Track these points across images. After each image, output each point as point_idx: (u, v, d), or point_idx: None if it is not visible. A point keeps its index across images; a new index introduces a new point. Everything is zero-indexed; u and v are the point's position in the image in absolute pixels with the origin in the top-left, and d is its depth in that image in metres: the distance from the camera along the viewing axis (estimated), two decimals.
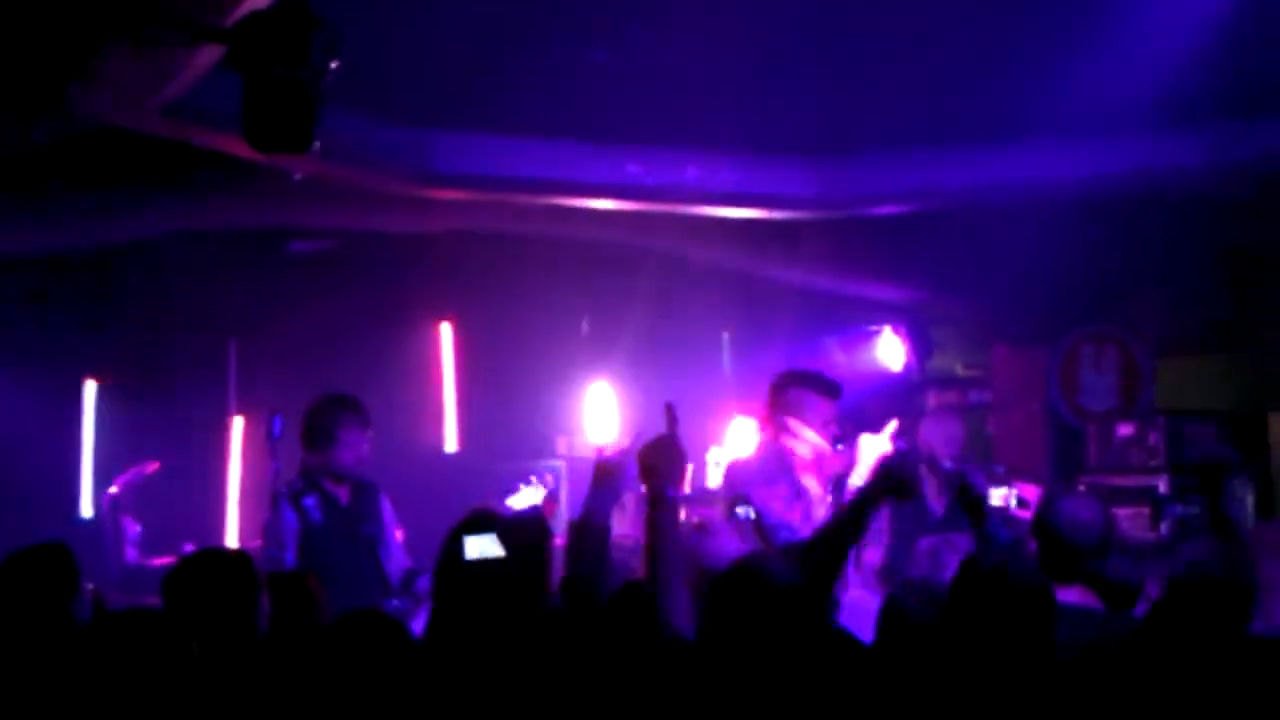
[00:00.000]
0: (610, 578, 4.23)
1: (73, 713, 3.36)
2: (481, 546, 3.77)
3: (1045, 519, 4.60)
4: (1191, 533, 7.22)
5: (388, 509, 6.61)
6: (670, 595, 4.02)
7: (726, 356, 10.80)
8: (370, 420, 6.51)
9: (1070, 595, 4.28)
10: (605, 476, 4.39)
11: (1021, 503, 5.58)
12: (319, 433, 6.40)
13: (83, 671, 3.37)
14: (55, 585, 4.48)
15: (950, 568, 4.92)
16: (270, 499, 6.40)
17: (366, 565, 6.35)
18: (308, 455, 6.44)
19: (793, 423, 5.90)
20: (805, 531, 5.12)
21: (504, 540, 3.77)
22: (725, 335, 11.12)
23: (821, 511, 5.74)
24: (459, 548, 3.76)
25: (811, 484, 5.77)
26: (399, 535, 6.74)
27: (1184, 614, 3.90)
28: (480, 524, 3.82)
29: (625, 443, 4.55)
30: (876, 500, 4.59)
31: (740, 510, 5.41)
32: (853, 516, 4.56)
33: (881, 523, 6.14)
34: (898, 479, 4.60)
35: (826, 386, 5.99)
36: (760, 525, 5.23)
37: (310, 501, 6.31)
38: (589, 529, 4.28)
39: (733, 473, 6.10)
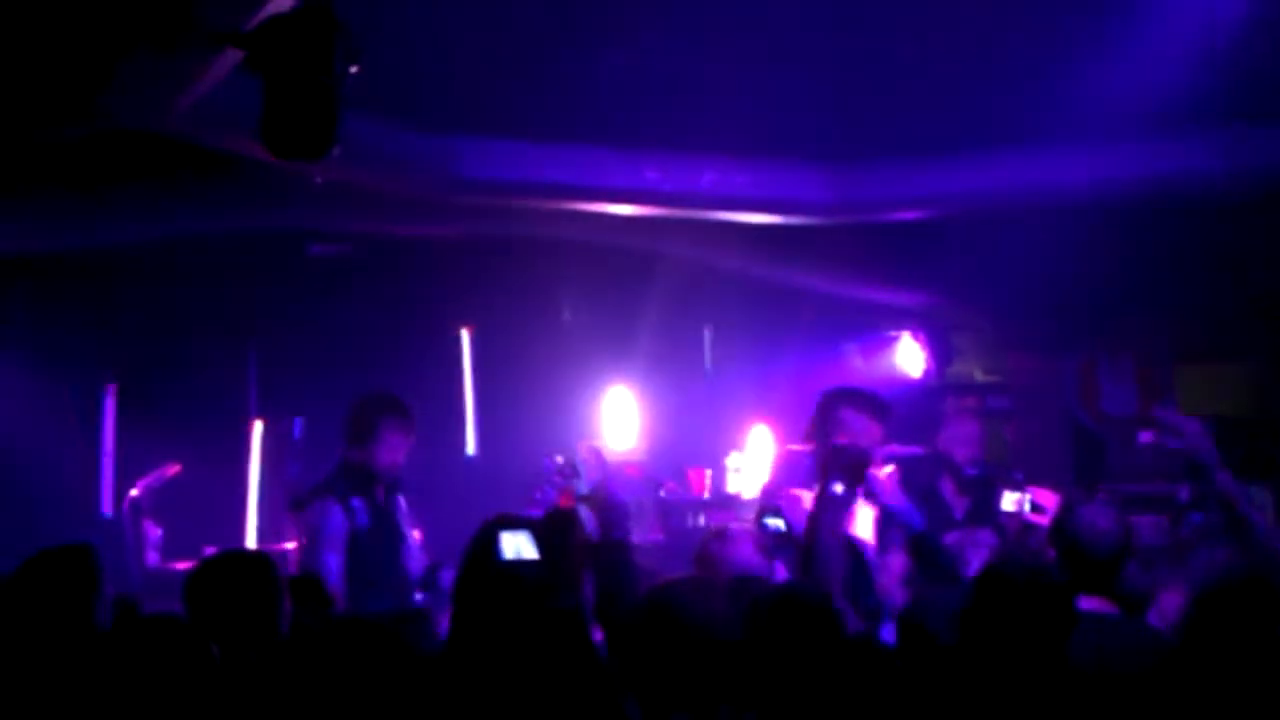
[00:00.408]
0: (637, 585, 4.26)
1: (93, 715, 3.37)
2: (517, 545, 3.78)
3: (1063, 527, 4.59)
4: (1208, 539, 7.18)
5: (405, 508, 6.62)
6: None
7: (744, 362, 10.79)
8: (413, 425, 6.49)
9: (1090, 604, 4.27)
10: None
11: (1036, 508, 5.57)
12: (364, 429, 6.37)
13: (105, 675, 3.39)
14: (78, 586, 4.50)
15: (973, 564, 4.94)
16: (311, 497, 6.32)
17: (400, 565, 6.37)
18: (349, 451, 6.40)
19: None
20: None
21: (538, 540, 3.78)
22: (743, 342, 11.12)
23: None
24: (493, 547, 3.77)
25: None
26: (416, 535, 6.75)
27: (1218, 620, 3.88)
28: (514, 524, 3.83)
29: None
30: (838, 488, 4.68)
31: (770, 522, 5.40)
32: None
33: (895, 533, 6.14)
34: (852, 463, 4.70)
35: (876, 408, 5.97)
36: (793, 538, 5.22)
37: (357, 503, 6.29)
38: (609, 546, 4.30)
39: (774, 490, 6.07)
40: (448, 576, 6.76)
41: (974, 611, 3.76)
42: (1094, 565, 4.46)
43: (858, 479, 4.94)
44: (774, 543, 5.45)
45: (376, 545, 6.28)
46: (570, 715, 3.45)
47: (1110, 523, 4.56)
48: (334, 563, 6.11)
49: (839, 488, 4.83)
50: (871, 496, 5.64)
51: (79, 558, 4.57)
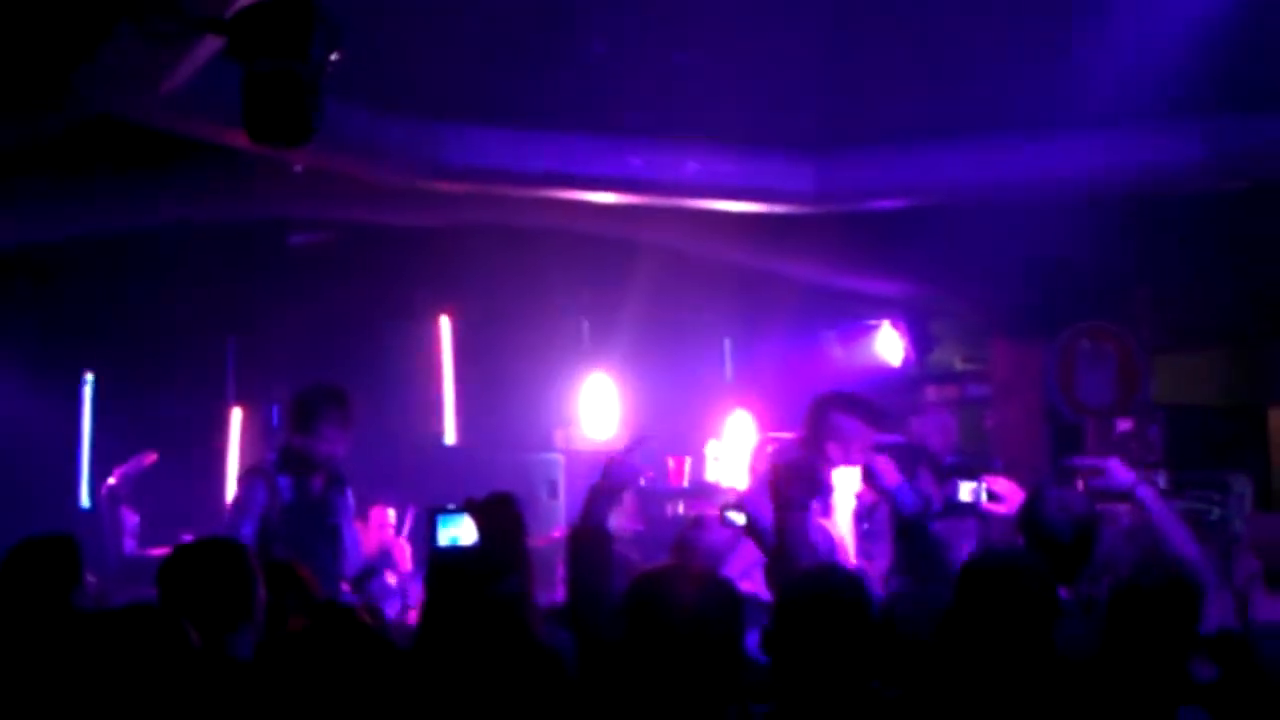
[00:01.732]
0: (615, 576, 4.24)
1: (71, 701, 3.36)
2: (453, 531, 3.78)
3: (1030, 515, 4.62)
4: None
5: (350, 504, 6.67)
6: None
7: (725, 350, 10.80)
8: (352, 419, 6.56)
9: (1065, 592, 4.29)
10: (615, 474, 4.40)
11: (992, 497, 5.58)
12: (302, 417, 6.47)
13: (82, 661, 3.37)
14: (59, 576, 4.49)
15: (962, 551, 4.94)
16: (242, 474, 6.49)
17: (326, 554, 6.39)
18: (291, 437, 6.50)
19: (832, 447, 5.92)
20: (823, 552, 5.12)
21: (477, 524, 3.77)
22: (724, 330, 11.13)
23: (849, 540, 5.77)
24: (433, 533, 3.77)
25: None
26: (395, 535, 6.79)
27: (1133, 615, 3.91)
28: (452, 510, 3.83)
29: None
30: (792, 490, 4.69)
31: (731, 515, 5.41)
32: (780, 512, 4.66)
33: (880, 523, 6.14)
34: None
35: (870, 413, 5.99)
36: (756, 532, 5.21)
37: (285, 481, 6.39)
38: (590, 533, 4.27)
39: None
40: (379, 585, 6.85)
41: (961, 604, 3.75)
42: (1060, 550, 4.48)
43: (812, 491, 4.93)
44: (735, 535, 5.46)
45: (298, 528, 6.33)
46: (507, 700, 3.44)
47: (1076, 509, 4.57)
48: (247, 530, 6.19)
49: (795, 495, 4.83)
50: (871, 479, 5.64)
51: (60, 548, 4.56)
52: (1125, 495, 4.86)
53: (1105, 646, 3.87)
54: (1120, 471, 4.91)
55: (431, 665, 3.55)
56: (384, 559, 8.17)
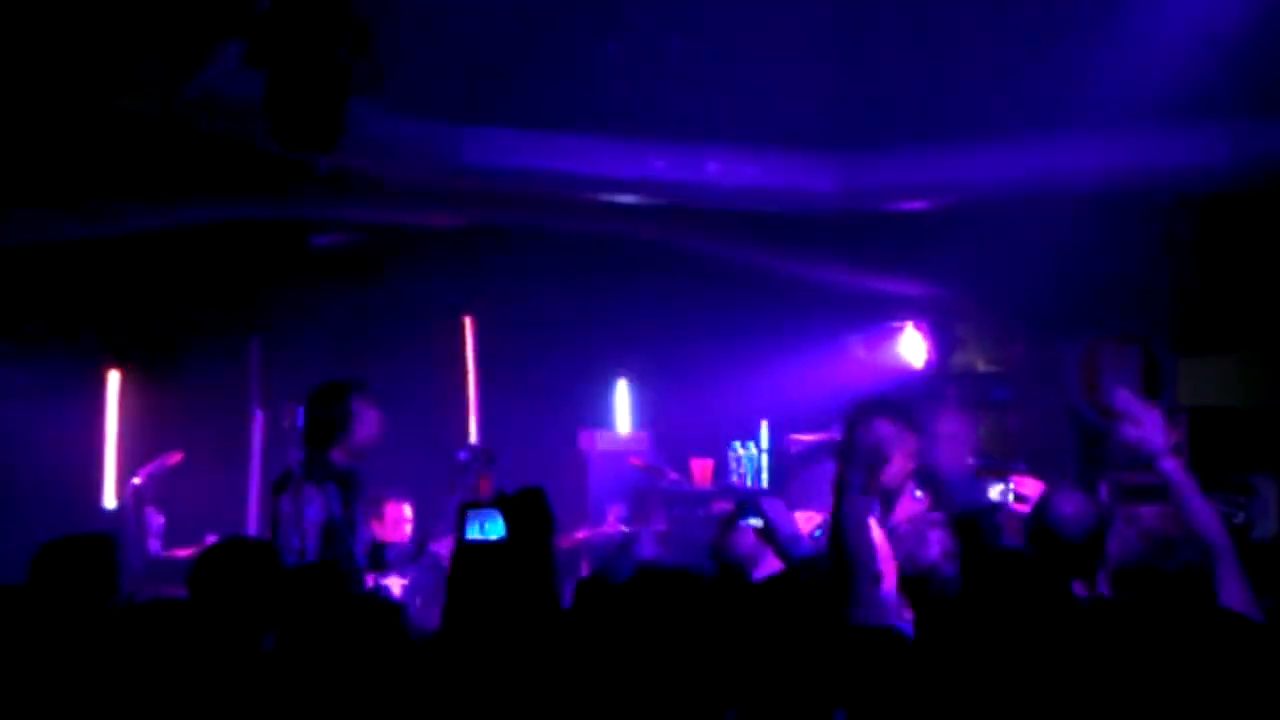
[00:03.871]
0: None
1: (99, 700, 3.38)
2: (482, 525, 3.78)
3: (1039, 516, 4.62)
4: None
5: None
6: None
7: (747, 352, 10.79)
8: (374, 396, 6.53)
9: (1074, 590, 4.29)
10: None
11: (1019, 498, 5.56)
12: (339, 415, 6.40)
13: (110, 660, 3.39)
14: (96, 576, 4.50)
15: (932, 543, 4.92)
16: (286, 484, 6.38)
17: (359, 552, 6.40)
18: (325, 442, 6.41)
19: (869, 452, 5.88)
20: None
21: (506, 520, 3.78)
22: (746, 331, 11.12)
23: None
24: (463, 528, 3.78)
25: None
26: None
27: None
28: (482, 504, 3.83)
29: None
30: (850, 473, 4.65)
31: (749, 521, 5.39)
32: (838, 497, 4.61)
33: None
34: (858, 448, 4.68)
35: (911, 418, 5.95)
36: (774, 537, 5.19)
37: (332, 491, 6.33)
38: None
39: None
40: (393, 552, 6.89)
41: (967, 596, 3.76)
42: (1066, 550, 4.47)
43: (873, 475, 4.91)
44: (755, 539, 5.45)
45: (344, 534, 6.33)
46: (531, 691, 3.45)
47: (1078, 508, 4.57)
48: (309, 551, 6.13)
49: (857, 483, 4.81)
50: (923, 474, 5.60)
51: (98, 547, 4.58)
52: (1150, 460, 4.78)
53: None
54: (1156, 430, 4.82)
55: (456, 658, 3.56)
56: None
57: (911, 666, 3.69)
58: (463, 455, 6.46)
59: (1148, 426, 4.81)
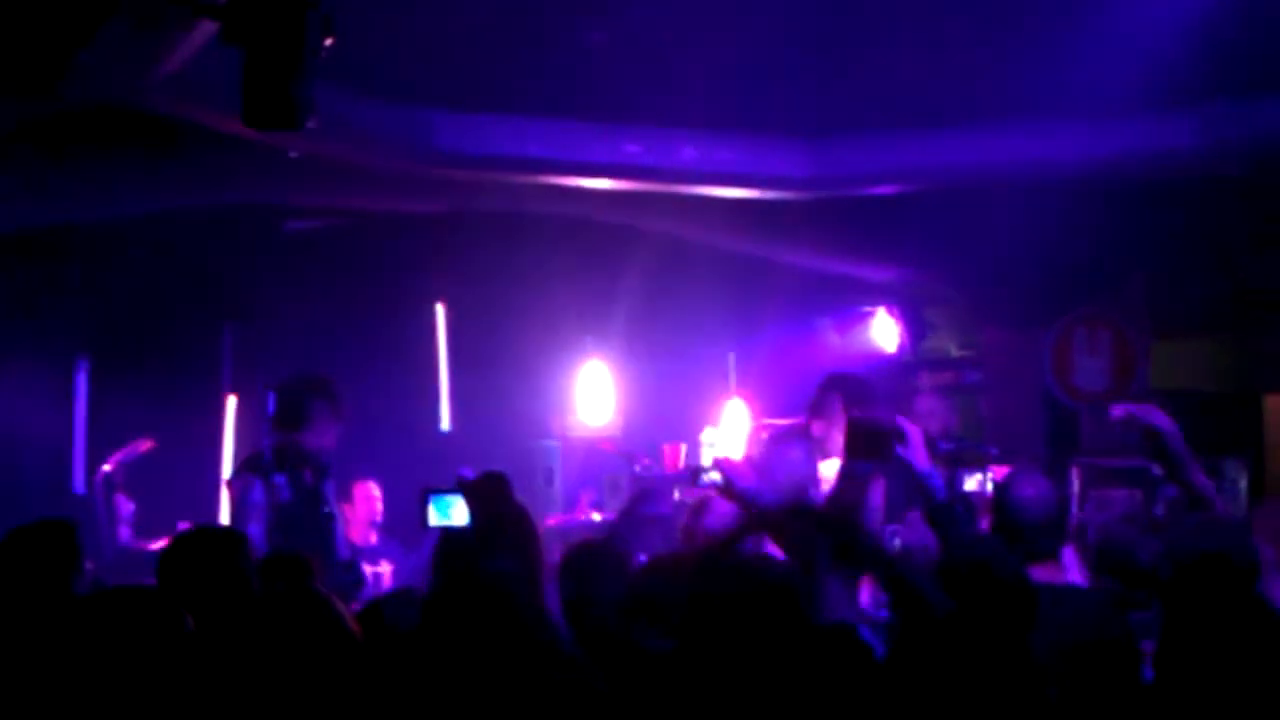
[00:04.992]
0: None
1: (68, 687, 3.36)
2: (445, 511, 3.78)
3: (1000, 499, 4.65)
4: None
5: (334, 491, 6.70)
6: None
7: (721, 337, 10.79)
8: (343, 410, 6.59)
9: (1040, 574, 4.29)
10: None
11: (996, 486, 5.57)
12: (291, 412, 6.48)
13: (78, 647, 3.37)
14: (58, 562, 4.49)
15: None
16: (237, 472, 6.49)
17: (325, 545, 6.42)
18: (282, 432, 6.50)
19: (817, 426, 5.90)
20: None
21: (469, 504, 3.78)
22: (720, 316, 11.12)
23: None
24: (425, 513, 3.78)
25: None
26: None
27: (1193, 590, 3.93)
28: (444, 489, 3.83)
29: None
30: (857, 466, 4.64)
31: (706, 478, 5.37)
32: (844, 485, 4.60)
33: (876, 499, 6.13)
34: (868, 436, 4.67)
35: (852, 394, 5.95)
36: (734, 492, 5.16)
37: (280, 479, 6.39)
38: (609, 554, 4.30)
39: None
40: (375, 550, 6.91)
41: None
42: (1028, 533, 4.49)
43: (881, 453, 4.89)
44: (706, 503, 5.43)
45: (300, 522, 6.37)
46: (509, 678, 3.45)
47: (1037, 490, 4.59)
48: (254, 533, 6.17)
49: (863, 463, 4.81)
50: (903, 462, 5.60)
51: (59, 533, 4.56)
52: (1158, 440, 4.80)
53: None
54: (1159, 417, 4.87)
55: (435, 644, 3.56)
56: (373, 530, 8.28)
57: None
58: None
59: (1156, 413, 4.88)
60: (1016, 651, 3.54)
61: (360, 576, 6.63)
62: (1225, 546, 4.11)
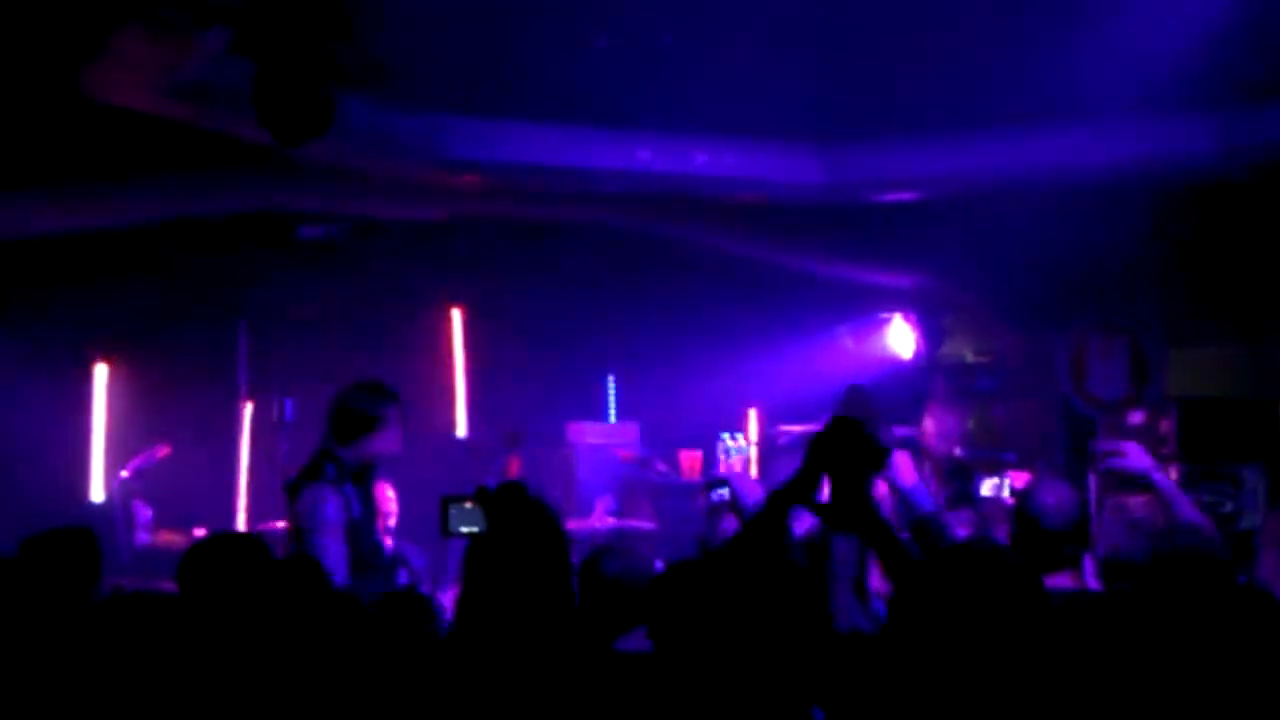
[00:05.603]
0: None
1: (88, 695, 3.37)
2: (462, 518, 3.77)
3: (1022, 507, 4.64)
4: None
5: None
6: None
7: (736, 344, 10.79)
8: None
9: (1062, 580, 4.29)
10: None
11: (1015, 493, 5.58)
12: (361, 418, 6.17)
13: (97, 653, 3.38)
14: (77, 570, 4.49)
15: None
16: (309, 484, 6.14)
17: (382, 547, 6.39)
18: (345, 443, 6.11)
19: None
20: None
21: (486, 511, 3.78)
22: (735, 323, 11.11)
23: None
24: (445, 521, 3.77)
25: None
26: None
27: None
28: (461, 498, 3.82)
29: None
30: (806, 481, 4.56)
31: (716, 493, 5.39)
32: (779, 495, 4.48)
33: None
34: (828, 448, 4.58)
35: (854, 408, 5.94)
36: (738, 507, 5.17)
37: (351, 491, 6.16)
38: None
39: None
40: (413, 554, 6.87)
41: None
42: (1050, 540, 4.48)
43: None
44: (720, 510, 5.45)
45: (368, 531, 6.25)
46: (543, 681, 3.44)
47: (1060, 497, 4.59)
48: (335, 550, 5.86)
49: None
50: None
51: (79, 541, 4.56)
52: (1141, 480, 4.88)
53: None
54: (1138, 455, 4.97)
55: (470, 650, 3.55)
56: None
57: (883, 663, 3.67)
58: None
59: (1130, 456, 4.95)
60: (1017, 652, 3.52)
61: (396, 581, 6.53)
62: (1205, 544, 4.13)
